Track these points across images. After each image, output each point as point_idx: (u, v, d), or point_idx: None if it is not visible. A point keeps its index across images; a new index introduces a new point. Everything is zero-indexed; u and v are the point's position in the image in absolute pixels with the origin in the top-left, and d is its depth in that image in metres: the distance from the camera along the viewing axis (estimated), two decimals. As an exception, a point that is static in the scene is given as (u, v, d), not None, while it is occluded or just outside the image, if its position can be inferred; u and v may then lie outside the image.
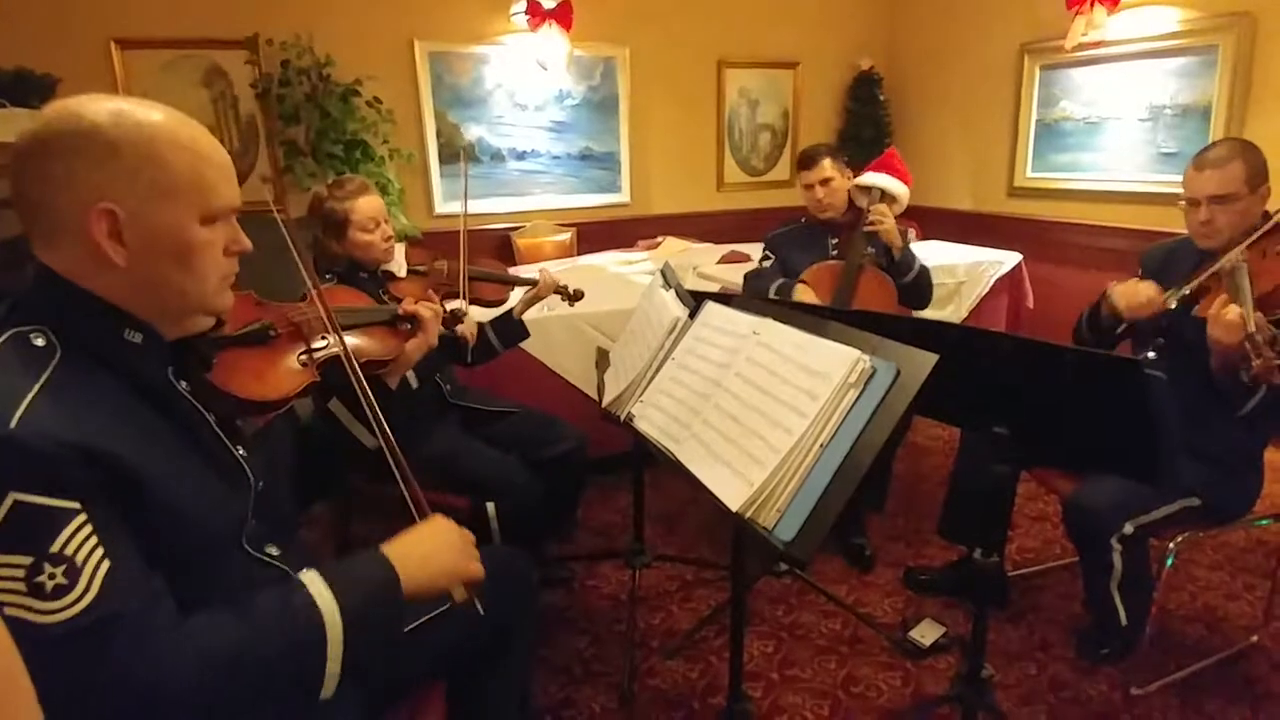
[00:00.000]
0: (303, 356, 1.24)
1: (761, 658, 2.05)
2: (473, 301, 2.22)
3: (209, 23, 3.93)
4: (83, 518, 0.76)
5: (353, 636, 0.88)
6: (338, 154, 3.94)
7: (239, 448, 1.02)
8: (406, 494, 1.12)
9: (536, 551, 2.25)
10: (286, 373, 1.20)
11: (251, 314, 1.25)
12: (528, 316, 2.28)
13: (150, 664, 0.76)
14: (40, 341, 0.84)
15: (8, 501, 0.73)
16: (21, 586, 0.72)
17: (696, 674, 1.99)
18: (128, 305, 0.90)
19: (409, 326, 1.45)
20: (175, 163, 0.89)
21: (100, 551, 0.76)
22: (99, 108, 0.87)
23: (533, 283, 2.30)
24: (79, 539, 0.75)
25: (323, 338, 1.28)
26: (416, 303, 1.51)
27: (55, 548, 0.74)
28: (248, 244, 0.99)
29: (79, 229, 0.85)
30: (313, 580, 0.90)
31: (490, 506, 1.96)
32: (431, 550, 1.01)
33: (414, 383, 1.99)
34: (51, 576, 0.73)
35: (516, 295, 2.33)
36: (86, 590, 0.74)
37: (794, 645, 2.10)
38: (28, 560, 0.73)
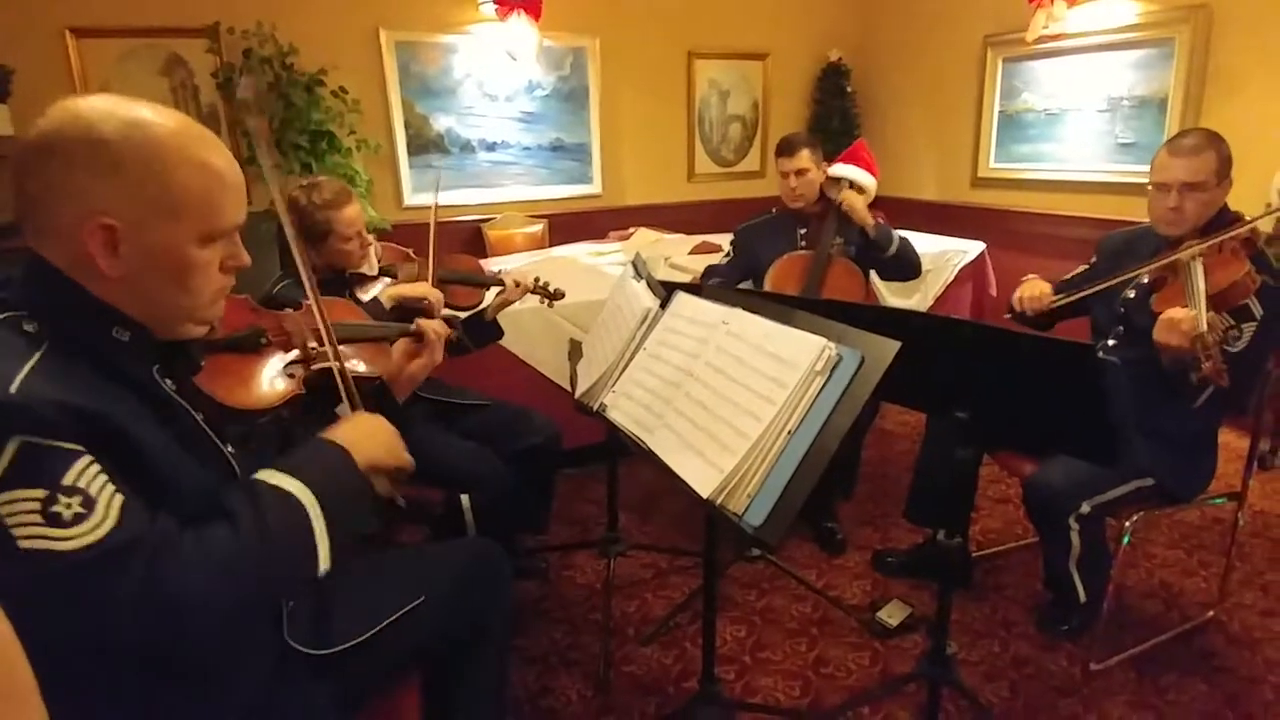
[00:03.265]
0: (291, 367, 1.23)
1: (734, 642, 2.08)
2: (445, 306, 2.20)
3: (168, 11, 3.85)
4: (89, 458, 0.78)
5: (330, 512, 0.92)
6: (303, 144, 3.89)
7: (227, 445, 1.02)
8: (343, 389, 1.14)
9: (511, 544, 2.26)
10: (272, 382, 1.19)
11: (246, 319, 1.23)
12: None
13: (172, 579, 0.78)
14: (29, 328, 0.84)
15: (13, 444, 0.74)
16: (38, 518, 0.74)
17: (671, 659, 2.02)
18: (119, 306, 0.90)
19: (417, 344, 1.43)
20: (182, 182, 0.88)
21: (112, 486, 0.79)
22: (111, 117, 0.85)
23: (500, 284, 2.26)
24: (90, 474, 0.78)
25: (315, 349, 1.26)
26: (427, 320, 1.49)
27: (68, 480, 0.76)
28: (246, 259, 0.98)
29: (74, 237, 0.85)
30: (271, 475, 0.92)
31: (465, 499, 1.97)
32: (366, 437, 1.05)
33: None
34: (68, 506, 0.75)
35: (490, 296, 2.30)
36: (106, 516, 0.77)
37: (766, 629, 2.14)
38: (41, 493, 0.74)
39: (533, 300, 2.49)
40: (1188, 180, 1.80)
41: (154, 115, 0.88)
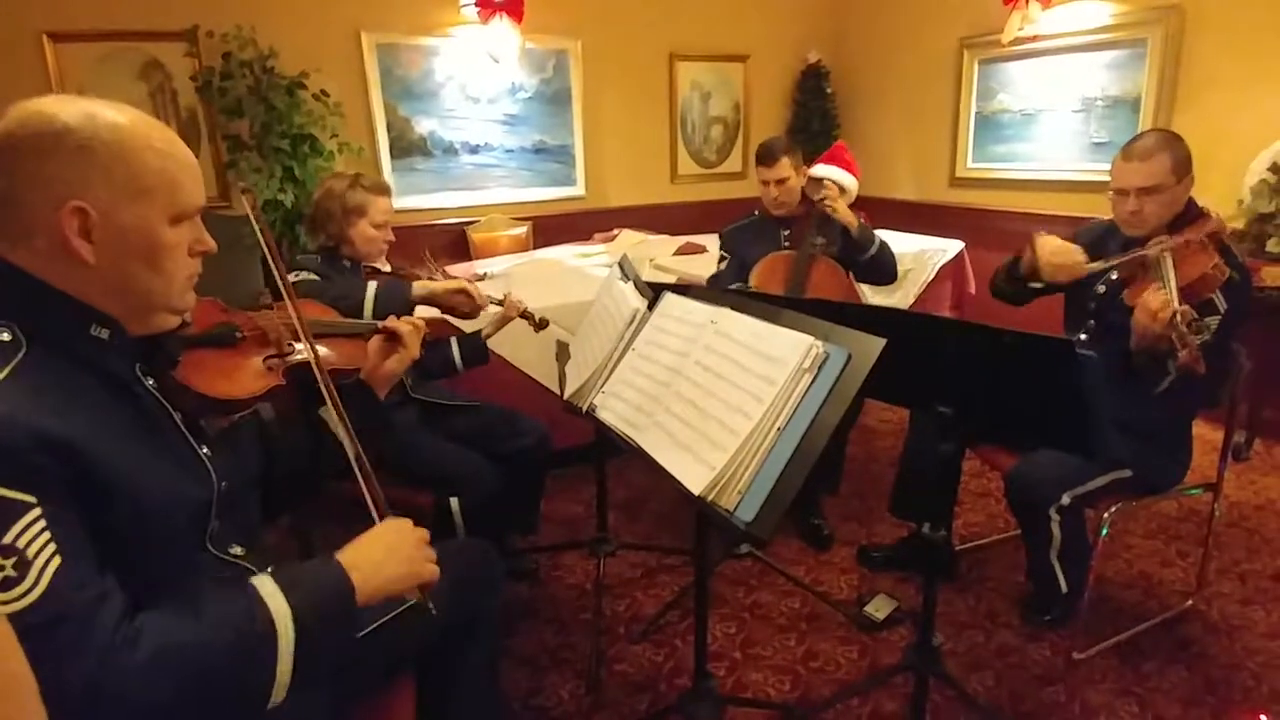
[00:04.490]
0: (269, 360, 1.24)
1: (724, 638, 2.10)
2: (446, 311, 2.22)
3: (145, 14, 3.82)
4: (37, 512, 0.76)
5: (304, 642, 0.88)
6: (284, 148, 3.87)
7: (203, 447, 1.03)
8: (368, 496, 1.12)
9: (500, 545, 2.26)
10: (251, 373, 1.20)
11: (218, 319, 1.25)
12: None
13: (92, 663, 0.75)
14: (6, 336, 0.84)
15: None
16: None
17: (662, 657, 2.04)
18: (93, 302, 0.90)
19: (390, 342, 1.46)
20: (147, 163, 0.90)
21: (52, 548, 0.76)
22: (70, 108, 0.87)
23: (500, 303, 2.27)
24: (32, 533, 0.75)
25: (290, 344, 1.28)
26: (398, 319, 1.52)
27: (8, 539, 0.74)
28: (212, 244, 1.00)
29: (49, 227, 0.85)
30: (264, 583, 0.90)
31: (454, 501, 1.97)
32: (386, 556, 1.01)
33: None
34: (0, 568, 0.73)
35: (487, 316, 2.31)
36: (35, 585, 0.74)
37: (755, 625, 2.16)
38: None
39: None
40: (1142, 185, 1.83)
41: (108, 106, 0.90)
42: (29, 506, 0.75)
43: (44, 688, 0.72)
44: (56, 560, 0.76)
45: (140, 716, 0.77)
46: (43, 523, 0.76)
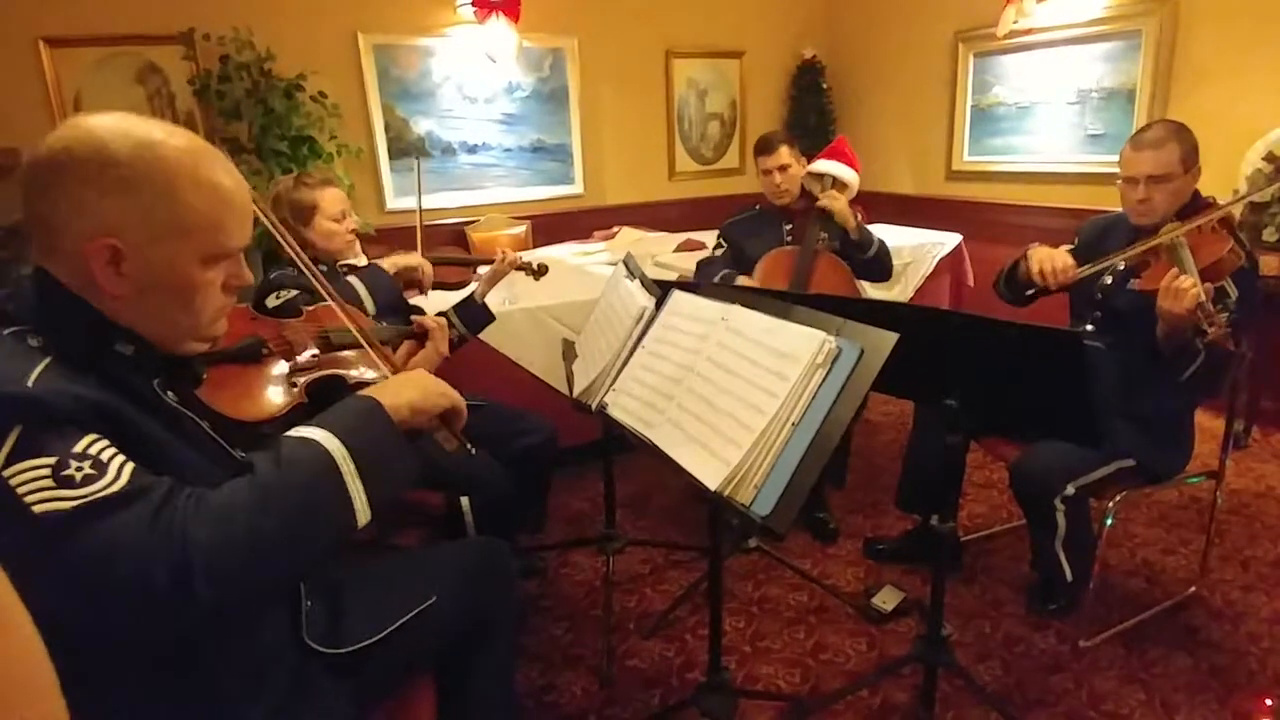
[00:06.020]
0: (294, 376, 1.24)
1: (734, 632, 2.12)
2: (435, 286, 2.22)
3: (142, 18, 3.81)
4: (95, 434, 0.78)
5: (361, 460, 0.88)
6: (283, 150, 3.87)
7: (237, 450, 1.03)
8: (379, 360, 1.18)
9: (509, 543, 2.27)
10: (275, 392, 1.19)
11: (245, 328, 1.24)
12: (491, 305, 2.28)
13: (185, 523, 0.76)
14: (34, 342, 0.85)
15: (16, 430, 0.74)
16: (49, 483, 0.73)
17: (673, 652, 2.06)
18: (124, 322, 0.90)
19: (418, 343, 1.46)
20: (192, 203, 0.88)
21: (122, 457, 0.78)
22: (124, 135, 0.86)
23: (492, 262, 2.30)
24: (99, 446, 0.77)
25: (314, 357, 1.27)
26: (425, 316, 1.52)
27: (79, 448, 0.76)
28: (249, 278, 0.99)
29: (79, 254, 0.85)
30: (297, 430, 0.90)
31: (464, 501, 1.98)
32: (403, 384, 1.03)
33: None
34: (79, 470, 0.75)
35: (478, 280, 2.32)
36: (117, 478, 0.76)
37: (764, 618, 2.18)
38: (52, 460, 0.74)
39: (524, 297, 2.49)
40: (1152, 173, 1.86)
41: (165, 135, 0.88)
42: (88, 431, 0.78)
43: (140, 555, 0.72)
44: (130, 465, 0.78)
45: (240, 568, 0.77)
46: (105, 441, 0.78)
